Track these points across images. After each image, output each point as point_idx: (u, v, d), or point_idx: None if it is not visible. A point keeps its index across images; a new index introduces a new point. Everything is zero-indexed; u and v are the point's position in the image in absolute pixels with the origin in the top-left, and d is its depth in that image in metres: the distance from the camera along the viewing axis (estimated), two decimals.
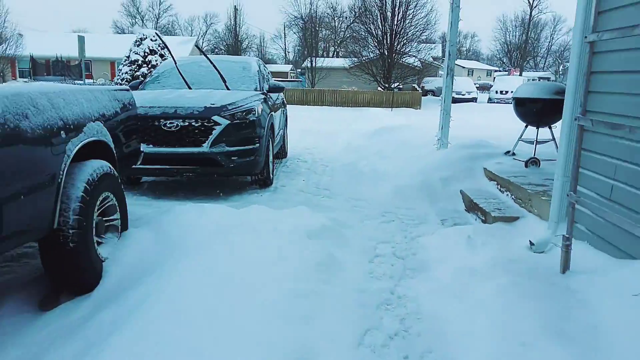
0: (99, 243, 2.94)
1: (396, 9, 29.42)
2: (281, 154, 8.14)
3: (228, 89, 5.88)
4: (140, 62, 14.07)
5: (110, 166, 3.01)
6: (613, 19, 2.57)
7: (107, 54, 38.08)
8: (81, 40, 17.58)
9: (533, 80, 55.12)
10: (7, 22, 33.21)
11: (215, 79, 5.98)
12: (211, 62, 5.94)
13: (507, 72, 57.89)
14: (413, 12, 29.47)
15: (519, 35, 66.63)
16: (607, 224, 2.68)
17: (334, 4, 49.90)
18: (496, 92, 31.71)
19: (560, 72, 75.22)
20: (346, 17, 45.28)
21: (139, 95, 5.61)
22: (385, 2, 29.53)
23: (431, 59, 36.27)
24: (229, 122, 5.05)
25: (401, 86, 31.33)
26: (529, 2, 58.87)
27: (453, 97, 24.95)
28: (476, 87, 36.81)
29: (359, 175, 6.05)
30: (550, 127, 5.22)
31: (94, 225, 2.77)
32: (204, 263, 2.79)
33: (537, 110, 5.08)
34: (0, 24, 32.48)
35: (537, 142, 5.15)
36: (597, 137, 2.84)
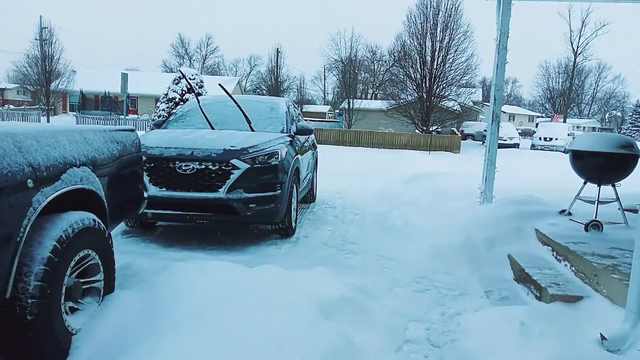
0: (73, 310, 2.47)
1: (436, 53, 29.26)
2: (309, 198, 7.66)
3: (252, 130, 5.51)
4: (177, 99, 14.20)
5: (95, 218, 2.58)
6: None
7: (152, 91, 39.51)
8: (124, 77, 18.08)
9: (579, 127, 53.22)
10: (62, 58, 35.06)
11: (240, 120, 5.64)
12: (235, 102, 5.61)
13: (549, 119, 56.30)
14: (453, 56, 29.20)
15: (562, 81, 65.33)
16: None
17: (373, 48, 50.29)
18: (540, 138, 30.52)
19: (607, 120, 72.82)
20: (385, 61, 45.66)
21: (159, 134, 5.34)
22: (425, 46, 29.48)
23: (471, 103, 35.64)
24: (249, 166, 4.63)
25: (440, 129, 30.75)
26: (574, 49, 57.73)
27: None
28: (518, 133, 35.75)
29: (391, 228, 5.45)
30: (613, 185, 4.51)
31: (63, 291, 2.31)
32: (191, 344, 2.26)
33: (598, 166, 4.41)
34: (55, 60, 34.28)
35: (599, 202, 4.44)
36: None
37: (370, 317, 2.94)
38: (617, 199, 4.55)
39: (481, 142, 32.92)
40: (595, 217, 4.36)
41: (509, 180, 6.78)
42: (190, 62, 73.53)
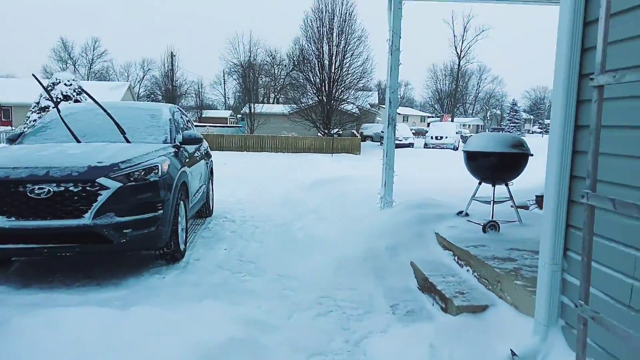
0: None
1: (333, 57, 29.84)
2: (204, 212, 7.03)
3: (128, 141, 4.80)
4: (51, 108, 12.59)
5: None
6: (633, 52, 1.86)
7: (30, 100, 35.34)
8: None
9: (465, 125, 57.71)
10: None
11: (114, 131, 4.88)
12: (103, 109, 4.85)
13: (439, 118, 60.37)
14: (350, 60, 30.00)
15: (448, 83, 70.58)
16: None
17: (273, 52, 50.05)
18: (432, 137, 32.38)
19: (488, 118, 79.96)
20: (285, 65, 45.66)
21: (7, 151, 4.44)
22: (323, 50, 29.92)
23: (368, 106, 36.88)
24: (121, 184, 3.95)
25: (340, 132, 31.34)
26: (457, 53, 62.77)
27: None
28: (412, 133, 37.65)
29: (293, 241, 5.07)
30: (507, 184, 4.56)
31: None
32: None
33: (492, 166, 4.42)
34: None
35: (494, 202, 4.45)
36: (606, 218, 2.07)
37: (264, 358, 2.50)
38: (511, 197, 4.60)
39: (379, 143, 34.20)
40: (492, 218, 4.36)
41: (408, 183, 6.75)
42: (75, 67, 67.64)
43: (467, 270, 3.72)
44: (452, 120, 54.70)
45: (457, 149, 31.78)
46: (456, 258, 3.98)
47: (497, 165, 4.39)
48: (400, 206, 5.03)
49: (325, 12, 29.95)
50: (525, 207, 5.35)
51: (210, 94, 66.93)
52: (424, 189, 6.46)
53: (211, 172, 7.53)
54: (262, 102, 43.53)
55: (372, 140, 36.49)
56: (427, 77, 72.93)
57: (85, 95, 5.15)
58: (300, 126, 30.33)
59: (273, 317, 3.16)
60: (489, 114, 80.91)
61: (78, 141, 4.73)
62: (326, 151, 26.38)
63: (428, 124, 50.97)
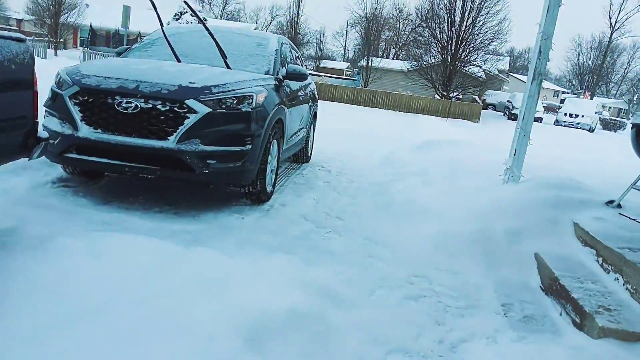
0: None
1: (466, 14, 27.31)
2: (301, 157, 6.62)
3: (228, 67, 4.40)
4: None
5: None
6: None
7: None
8: (126, 10, 16.83)
9: (604, 107, 50.59)
10: None
11: (217, 55, 4.50)
12: (207, 28, 4.46)
13: (575, 95, 53.73)
14: (484, 19, 27.23)
15: (593, 57, 62.01)
16: None
17: (400, 6, 47.59)
18: (565, 114, 28.71)
19: (635, 102, 69.33)
20: (411, 20, 43.20)
21: (106, 61, 4.28)
22: (455, 6, 27.47)
23: (497, 71, 33.64)
24: (210, 110, 3.56)
25: (460, 96, 29.11)
26: (611, 24, 54.24)
27: (514, 114, 22.87)
28: (543, 107, 33.84)
29: (390, 204, 4.41)
30: None
31: None
32: None
33: None
34: None
35: None
36: None
37: (329, 346, 1.95)
38: None
39: (502, 114, 31.26)
40: None
41: (538, 158, 5.62)
42: (210, 6, 71.13)
43: (616, 279, 2.79)
44: (591, 99, 48.25)
45: (593, 130, 27.97)
46: (601, 260, 3.03)
47: None
48: (530, 183, 4.06)
49: None
50: None
51: (331, 44, 66.63)
52: (561, 169, 5.33)
53: (314, 117, 7.04)
54: (382, 57, 42.01)
55: (495, 110, 33.69)
56: (568, 47, 64.33)
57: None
58: (417, 85, 28.68)
59: (351, 290, 2.59)
60: (636, 97, 70.32)
61: (178, 60, 4.44)
62: (441, 115, 24.70)
63: (562, 100, 45.46)
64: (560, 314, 2.67)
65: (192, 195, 4.27)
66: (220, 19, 63.99)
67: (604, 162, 7.90)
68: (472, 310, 2.65)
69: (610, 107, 60.59)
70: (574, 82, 66.66)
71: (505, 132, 19.98)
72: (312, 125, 6.88)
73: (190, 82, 3.64)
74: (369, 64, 33.29)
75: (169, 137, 3.51)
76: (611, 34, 56.12)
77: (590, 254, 3.16)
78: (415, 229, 3.69)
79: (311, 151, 7.09)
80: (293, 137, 5.45)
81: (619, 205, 3.76)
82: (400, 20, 49.42)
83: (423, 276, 3.01)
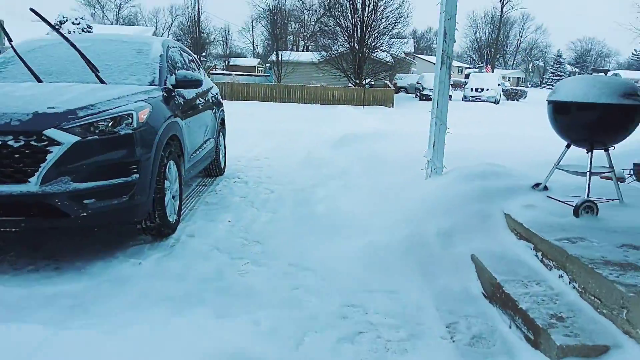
0: None
1: (367, 0, 27.62)
2: (214, 170, 6.03)
3: (102, 81, 3.71)
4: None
5: None
6: None
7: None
8: None
9: (504, 77, 54.11)
10: None
11: (88, 69, 3.79)
12: (65, 39, 3.71)
13: (477, 70, 56.99)
14: (384, 3, 27.80)
15: (489, 32, 66.22)
16: None
17: None
18: (471, 89, 30.18)
19: (530, 70, 75.12)
20: (315, 10, 43.21)
21: None
22: None
23: (403, 55, 34.59)
24: (79, 138, 2.90)
25: (373, 83, 29.58)
26: None
27: (425, 95, 23.46)
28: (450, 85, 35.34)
29: (312, 216, 3.98)
30: (606, 150, 3.29)
31: None
32: None
33: (592, 123, 3.14)
34: None
35: (591, 173, 3.20)
36: None
37: None
38: (611, 167, 3.34)
39: (414, 95, 32.24)
40: (588, 196, 3.13)
41: (455, 140, 5.47)
42: (103, 12, 66.67)
43: (560, 277, 2.57)
44: (492, 72, 51.33)
45: (498, 102, 29.67)
46: (540, 255, 2.81)
47: (600, 123, 3.10)
48: (453, 174, 3.82)
49: None
50: (621, 179, 4.07)
51: (238, 41, 64.84)
52: (479, 151, 5.21)
53: (222, 124, 6.44)
54: (291, 50, 41.70)
55: (407, 92, 34.72)
56: (465, 25, 68.03)
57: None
58: (330, 76, 28.70)
59: (274, 346, 2.12)
60: (531, 65, 76.29)
61: (39, 80, 3.67)
62: (357, 103, 24.88)
63: (466, 76, 47.93)
64: (510, 327, 2.39)
65: (78, 240, 3.56)
66: (116, 24, 60.19)
67: (518, 136, 8.08)
68: (415, 341, 2.29)
69: (510, 78, 65.03)
70: (474, 57, 70.72)
71: (419, 113, 20.45)
72: (220, 134, 6.29)
73: (49, 108, 2.95)
74: (279, 58, 32.79)
75: (29, 179, 2.81)
76: (502, 8, 60.17)
77: (527, 249, 2.94)
78: (343, 244, 3.29)
79: (224, 162, 6.51)
80: (198, 152, 4.86)
81: (546, 188, 3.61)
82: (305, 11, 49.42)
83: (357, 305, 2.61)
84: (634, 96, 3.03)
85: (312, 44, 44.03)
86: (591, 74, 4.44)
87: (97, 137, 2.98)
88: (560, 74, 65.06)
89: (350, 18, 28.20)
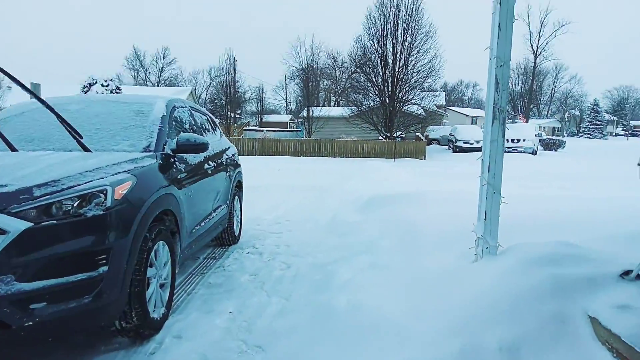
0: None
1: (397, 55, 27.74)
2: (227, 239, 5.38)
3: (86, 149, 3.16)
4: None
5: None
6: None
7: None
8: (35, 88, 15.39)
9: (541, 127, 52.80)
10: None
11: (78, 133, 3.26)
12: (41, 101, 3.20)
13: (511, 120, 56.02)
14: (415, 58, 27.73)
15: (521, 83, 65.54)
16: None
17: (334, 55, 48.50)
18: (508, 140, 29.06)
19: (566, 119, 73.29)
20: (347, 67, 43.94)
21: None
22: (386, 48, 27.91)
23: (435, 107, 34.21)
24: (31, 225, 2.28)
25: (404, 135, 29.07)
26: (534, 50, 57.91)
27: (458, 146, 22.70)
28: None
29: (332, 312, 3.17)
30: None
31: None
32: None
33: None
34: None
35: None
36: None
37: None
38: None
39: (447, 147, 31.45)
40: None
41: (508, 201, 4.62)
42: (146, 74, 70.44)
43: None
44: (527, 122, 50.11)
45: (535, 153, 28.44)
46: None
47: None
48: (513, 257, 2.97)
49: (390, 8, 27.85)
50: None
51: (272, 98, 66.42)
52: (534, 218, 4.34)
53: (238, 187, 5.85)
54: (323, 106, 42.16)
55: (439, 144, 34.06)
56: None
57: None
58: (361, 129, 28.46)
59: None
60: (567, 114, 74.54)
61: (12, 149, 3.16)
62: (388, 156, 24.32)
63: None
64: None
65: (35, 347, 2.87)
66: (158, 86, 63.03)
67: (574, 197, 7.11)
68: None
69: (545, 127, 63.51)
70: (507, 108, 69.83)
71: (453, 165, 19.64)
72: (236, 198, 5.68)
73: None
74: (310, 114, 32.99)
75: None
76: (535, 59, 59.77)
77: None
78: None
79: (239, 229, 5.86)
80: (203, 224, 4.22)
81: (638, 276, 2.72)
82: (336, 69, 50.43)
83: None
84: None
85: (343, 99, 44.44)
86: None
87: (55, 222, 2.35)
88: (599, 122, 63.17)
89: (381, 73, 28.22)
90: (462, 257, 3.36)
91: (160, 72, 70.37)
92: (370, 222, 5.54)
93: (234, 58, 49.13)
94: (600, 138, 58.73)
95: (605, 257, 2.90)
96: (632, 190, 9.12)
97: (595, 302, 2.49)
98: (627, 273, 2.75)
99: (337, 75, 50.76)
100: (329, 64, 49.72)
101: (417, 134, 30.80)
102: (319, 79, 46.57)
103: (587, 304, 2.50)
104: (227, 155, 5.37)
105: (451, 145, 30.12)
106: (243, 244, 5.60)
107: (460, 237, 3.72)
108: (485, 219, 3.16)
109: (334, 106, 45.26)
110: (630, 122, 74.44)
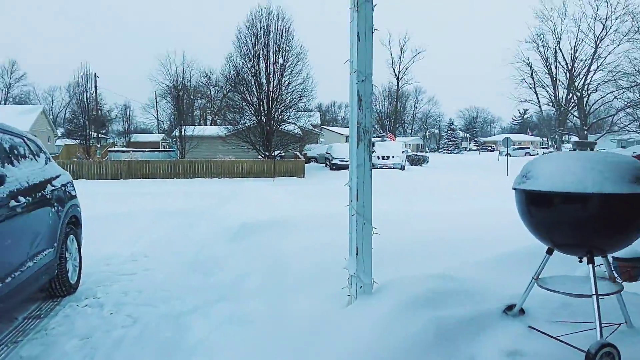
0: None
1: (271, 75, 27.70)
2: (60, 289, 4.32)
3: None
4: None
5: None
6: None
7: None
8: None
9: (406, 144, 57.25)
10: None
11: None
12: None
13: (380, 138, 59.88)
14: (289, 79, 28.00)
15: (387, 104, 70.75)
16: None
17: (208, 73, 47.14)
18: (378, 157, 30.68)
19: (427, 137, 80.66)
20: (221, 86, 42.90)
21: None
22: (259, 68, 27.75)
23: (311, 127, 34.87)
24: None
25: (283, 154, 28.99)
26: (396, 74, 63.38)
27: (334, 164, 23.18)
28: None
29: None
30: (606, 256, 2.26)
31: None
32: None
33: (591, 221, 2.09)
34: None
35: (598, 295, 2.10)
36: None
37: None
38: (618, 284, 2.28)
39: (324, 165, 32.11)
40: (601, 334, 2.00)
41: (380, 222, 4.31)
42: None
43: None
44: (394, 140, 53.84)
45: (404, 168, 30.37)
46: None
47: (603, 220, 2.07)
48: (390, 297, 2.54)
49: (261, 29, 27.78)
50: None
51: (142, 117, 62.13)
52: (407, 240, 4.08)
53: (74, 224, 4.80)
54: (199, 125, 40.51)
55: (317, 162, 34.68)
56: None
57: None
58: (238, 149, 27.66)
59: None
60: (427, 132, 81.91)
61: None
62: (267, 175, 23.87)
63: (372, 144, 49.50)
64: None
65: None
66: (5, 103, 55.47)
67: (442, 212, 7.23)
68: None
69: (410, 144, 68.95)
70: (376, 127, 74.64)
71: (330, 183, 19.84)
72: (70, 238, 4.62)
73: None
74: (182, 133, 31.32)
75: None
76: (398, 83, 65.19)
77: None
78: None
79: (78, 274, 4.78)
80: (6, 281, 3.18)
81: (522, 311, 2.47)
82: (211, 87, 49.04)
83: None
84: None
85: (219, 118, 43.18)
86: (574, 148, 3.55)
87: None
88: (455, 139, 70.58)
89: (255, 93, 27.94)
90: (334, 298, 2.87)
91: (8, 89, 62.08)
92: (238, 255, 4.88)
93: (95, 74, 44.91)
94: (457, 153, 65.43)
95: (485, 290, 2.62)
96: (502, 201, 9.80)
97: (482, 348, 2.15)
98: (510, 308, 2.48)
99: (212, 94, 49.41)
100: (202, 82, 48.18)
101: (295, 152, 30.94)
102: (192, 97, 44.73)
103: (473, 351, 2.15)
104: (53, 186, 4.32)
105: (328, 163, 30.81)
106: (82, 293, 4.55)
107: (334, 270, 3.23)
108: (357, 254, 2.71)
109: (210, 125, 43.72)
110: (481, 138, 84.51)
